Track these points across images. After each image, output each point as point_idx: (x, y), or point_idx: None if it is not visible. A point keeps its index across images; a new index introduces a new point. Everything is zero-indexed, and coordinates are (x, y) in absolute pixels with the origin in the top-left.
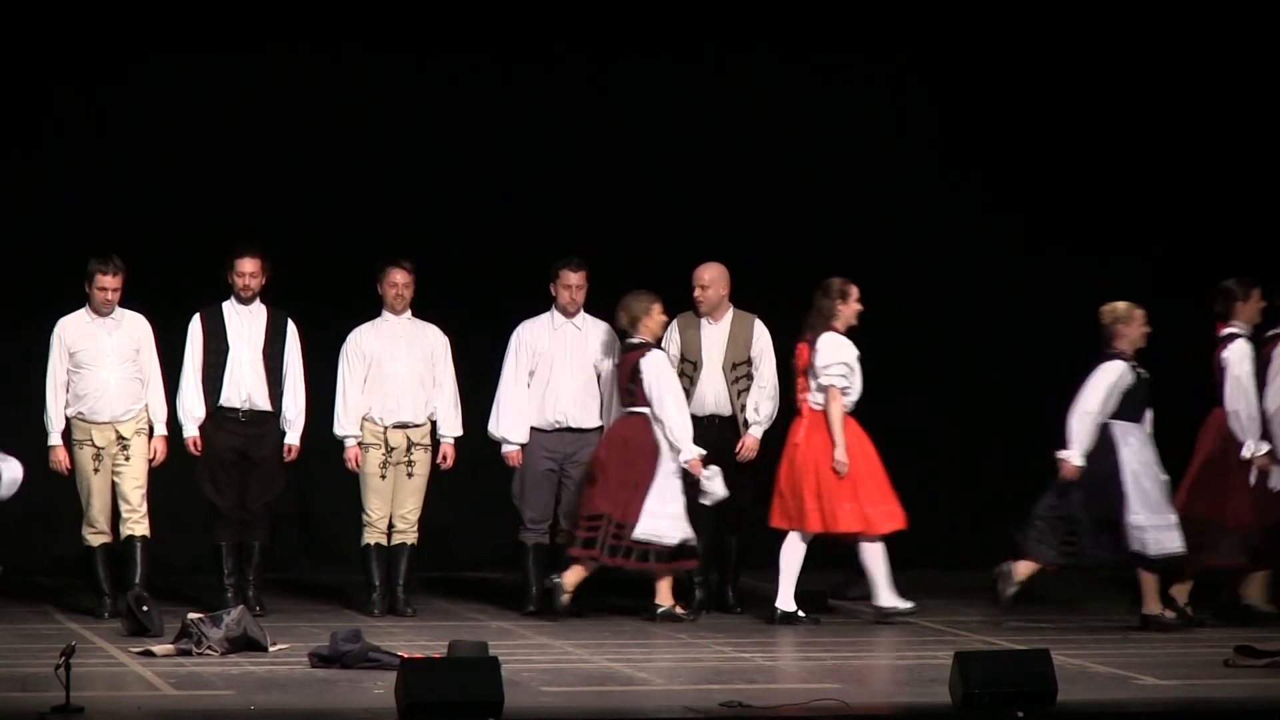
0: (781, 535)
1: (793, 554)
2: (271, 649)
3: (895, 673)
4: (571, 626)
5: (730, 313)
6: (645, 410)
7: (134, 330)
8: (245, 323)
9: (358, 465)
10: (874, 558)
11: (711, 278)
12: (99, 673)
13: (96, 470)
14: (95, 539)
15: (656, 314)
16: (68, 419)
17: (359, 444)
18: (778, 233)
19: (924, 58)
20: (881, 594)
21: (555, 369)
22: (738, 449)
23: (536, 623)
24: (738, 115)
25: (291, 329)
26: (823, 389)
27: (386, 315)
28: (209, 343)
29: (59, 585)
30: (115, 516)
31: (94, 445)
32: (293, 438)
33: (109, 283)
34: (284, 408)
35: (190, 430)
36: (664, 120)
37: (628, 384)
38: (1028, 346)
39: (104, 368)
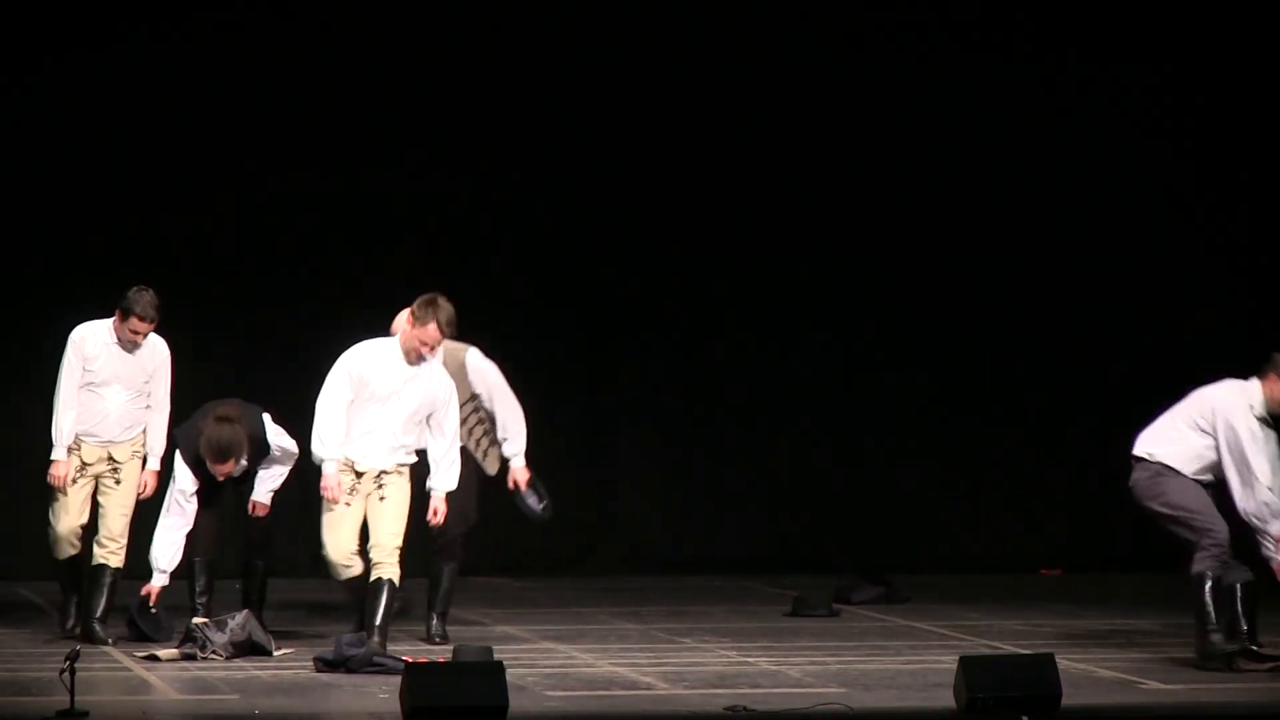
0: None
1: None
2: (276, 653)
3: (900, 677)
4: (577, 631)
5: (440, 349)
6: None
7: (153, 357)
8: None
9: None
10: None
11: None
12: (103, 677)
13: (75, 481)
14: (62, 552)
15: None
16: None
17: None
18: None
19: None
20: None
21: None
22: (510, 483)
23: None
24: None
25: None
26: None
27: (394, 348)
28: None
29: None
30: (87, 533)
31: (80, 460)
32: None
33: (141, 328)
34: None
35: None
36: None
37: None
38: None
39: (112, 391)
